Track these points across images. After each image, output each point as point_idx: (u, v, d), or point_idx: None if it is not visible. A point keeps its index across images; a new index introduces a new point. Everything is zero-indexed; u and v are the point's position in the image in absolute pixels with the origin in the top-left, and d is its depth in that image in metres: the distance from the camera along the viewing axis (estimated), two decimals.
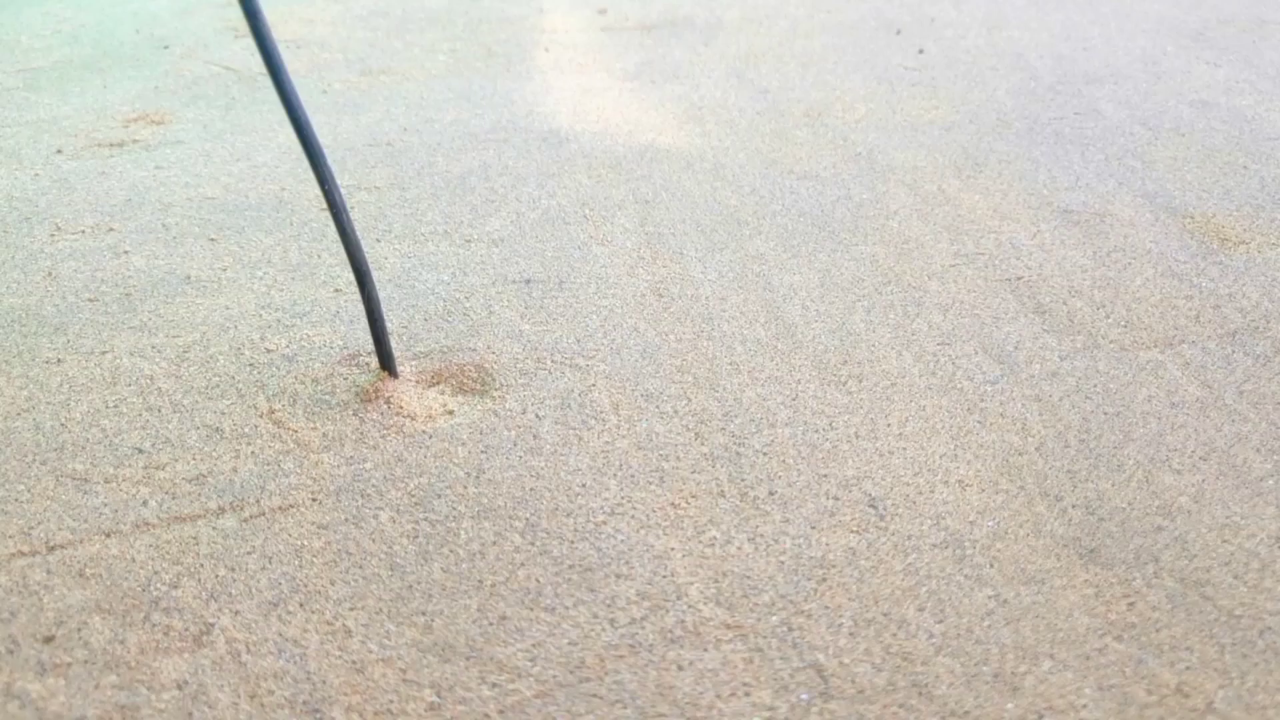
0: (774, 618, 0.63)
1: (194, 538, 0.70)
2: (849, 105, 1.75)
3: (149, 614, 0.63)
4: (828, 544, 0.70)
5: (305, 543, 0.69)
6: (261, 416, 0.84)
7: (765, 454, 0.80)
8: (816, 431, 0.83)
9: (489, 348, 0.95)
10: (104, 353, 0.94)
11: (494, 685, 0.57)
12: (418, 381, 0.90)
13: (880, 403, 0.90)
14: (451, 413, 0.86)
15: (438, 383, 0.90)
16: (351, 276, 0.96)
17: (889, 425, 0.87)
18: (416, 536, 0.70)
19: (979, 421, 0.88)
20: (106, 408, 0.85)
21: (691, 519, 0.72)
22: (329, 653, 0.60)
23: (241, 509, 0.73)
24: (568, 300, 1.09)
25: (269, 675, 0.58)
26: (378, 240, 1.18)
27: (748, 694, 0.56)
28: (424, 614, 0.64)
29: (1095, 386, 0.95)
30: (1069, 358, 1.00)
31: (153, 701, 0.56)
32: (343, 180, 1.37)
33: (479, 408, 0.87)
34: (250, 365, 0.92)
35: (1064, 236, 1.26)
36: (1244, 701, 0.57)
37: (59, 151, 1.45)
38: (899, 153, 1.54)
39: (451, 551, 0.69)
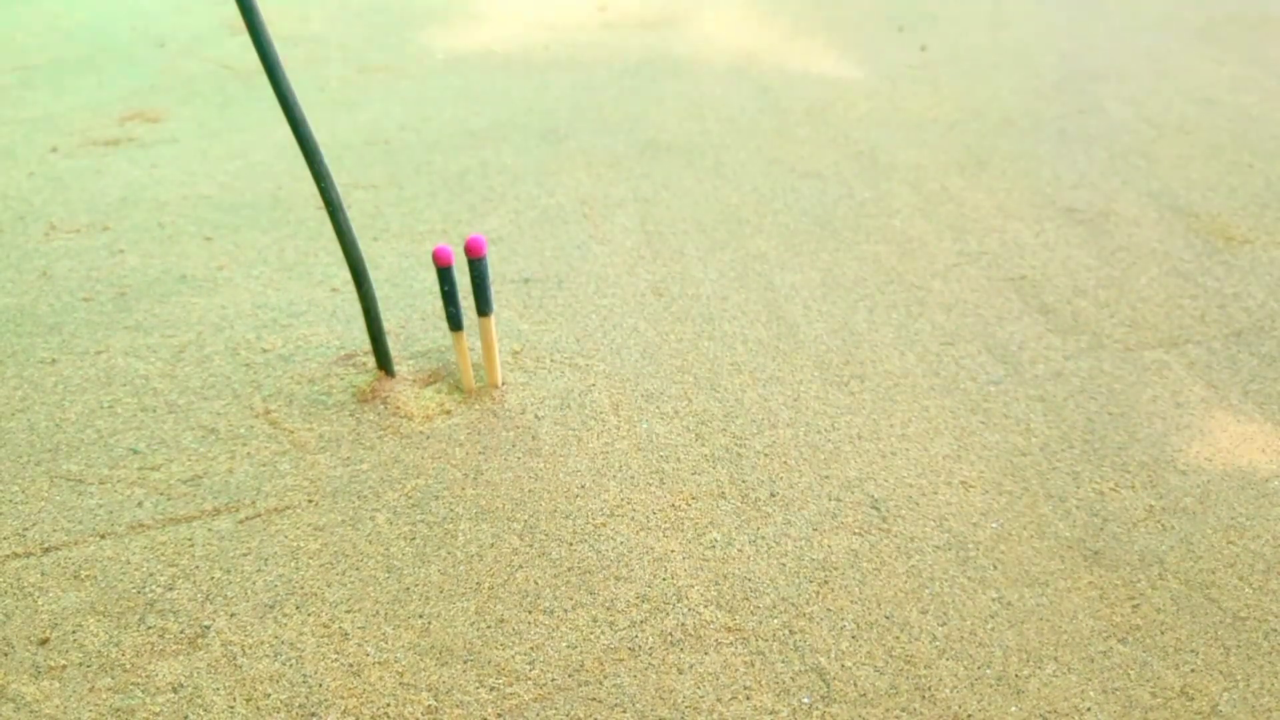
0: (775, 620, 0.63)
1: (189, 539, 0.69)
2: (851, 103, 1.74)
3: (144, 616, 0.62)
4: (830, 546, 0.69)
5: (302, 544, 0.69)
6: (257, 417, 0.83)
7: (767, 455, 0.79)
8: (818, 432, 0.82)
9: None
10: (99, 352, 0.93)
11: (492, 689, 0.56)
12: (415, 381, 0.89)
13: (883, 403, 0.90)
14: (449, 413, 0.85)
15: (435, 382, 0.90)
16: (348, 275, 0.95)
17: (891, 426, 0.86)
18: (414, 538, 0.70)
19: (982, 422, 0.88)
20: (101, 408, 0.84)
21: (692, 521, 0.72)
22: (325, 655, 0.59)
23: (237, 510, 0.72)
24: (567, 299, 1.08)
25: (265, 678, 0.57)
26: (375, 239, 1.17)
27: (749, 697, 0.56)
28: (421, 616, 0.63)
29: (1100, 386, 0.94)
30: (1073, 357, 0.99)
31: (148, 704, 0.55)
32: (339, 178, 1.36)
33: (477, 408, 0.86)
34: (246, 365, 0.91)
35: (1068, 235, 1.25)
36: (1249, 704, 0.56)
37: (54, 150, 1.44)
38: (901, 151, 1.53)
39: (449, 554, 0.68)
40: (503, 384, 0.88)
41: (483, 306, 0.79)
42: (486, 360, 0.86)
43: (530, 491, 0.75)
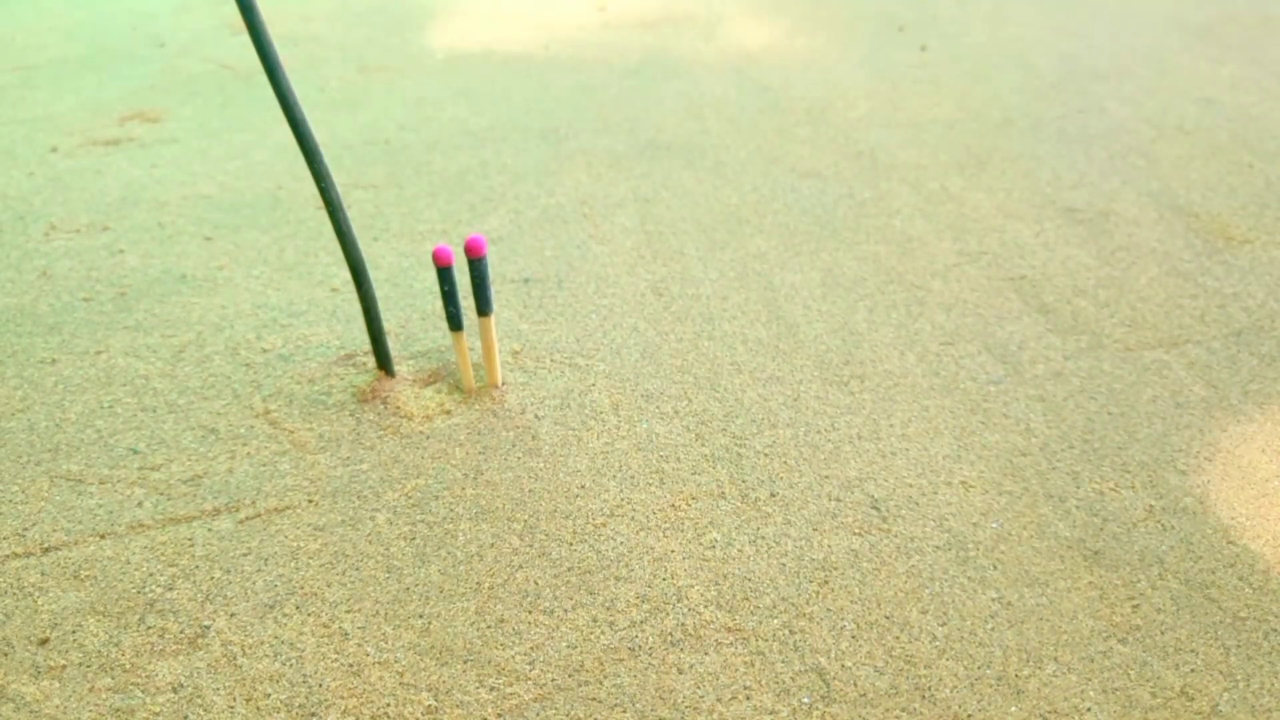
0: (775, 620, 0.63)
1: (189, 539, 0.69)
2: (851, 103, 1.74)
3: (144, 616, 0.62)
4: (830, 546, 0.69)
5: (302, 544, 0.69)
6: (257, 417, 0.83)
7: (766, 455, 0.79)
8: (818, 432, 0.82)
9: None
10: (99, 352, 0.93)
11: (492, 689, 0.56)
12: (415, 381, 0.90)
13: (883, 403, 0.90)
14: (449, 413, 0.85)
15: (435, 382, 0.90)
16: (348, 275, 0.95)
17: (891, 426, 0.86)
18: (414, 538, 0.70)
19: (982, 422, 0.88)
20: (101, 408, 0.84)
21: (692, 521, 0.72)
22: (325, 655, 0.59)
23: (237, 510, 0.72)
24: (567, 299, 1.08)
25: (265, 678, 0.57)
26: (375, 239, 1.18)
27: (749, 697, 0.56)
28: (421, 616, 0.63)
29: (1099, 386, 0.94)
30: (1073, 357, 0.99)
31: (148, 704, 0.55)
32: (339, 178, 1.36)
33: (477, 408, 0.86)
34: (246, 365, 0.91)
35: (1068, 235, 1.25)
36: (1249, 704, 0.56)
37: (54, 149, 1.44)
38: (902, 150, 1.53)
39: (449, 554, 0.68)
40: (503, 384, 0.88)
41: (483, 306, 0.80)
42: (486, 360, 0.86)
43: (530, 491, 0.75)
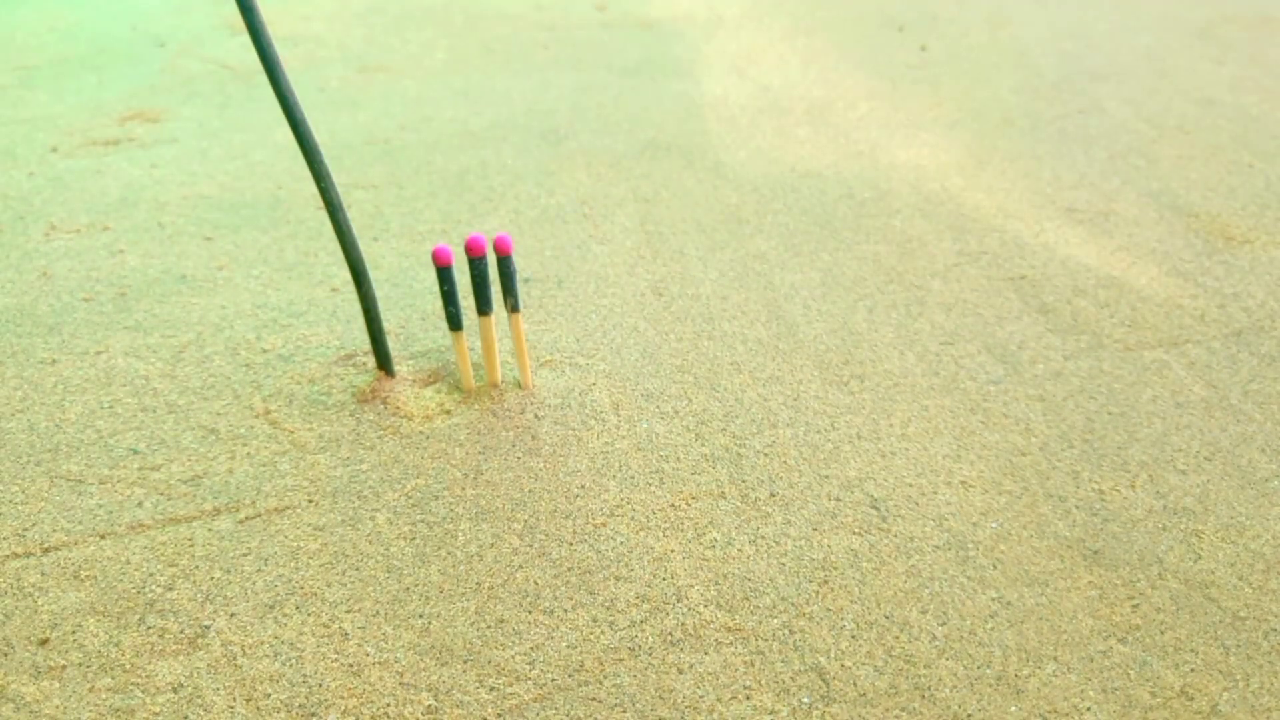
0: (775, 620, 0.63)
1: (189, 539, 0.69)
2: (851, 103, 1.74)
3: (144, 616, 0.62)
4: (829, 546, 0.69)
5: (302, 544, 0.69)
6: (257, 417, 0.83)
7: (766, 455, 0.79)
8: (818, 432, 0.82)
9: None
10: (99, 353, 0.93)
11: (492, 689, 0.56)
12: (415, 381, 0.90)
13: (882, 403, 0.90)
14: (449, 413, 0.85)
15: (435, 382, 0.90)
16: (348, 275, 0.95)
17: (891, 426, 0.86)
18: (414, 538, 0.70)
19: (982, 422, 0.88)
20: (101, 408, 0.84)
21: (692, 520, 0.72)
22: (325, 655, 0.59)
23: (237, 510, 0.72)
24: (567, 299, 1.08)
25: (265, 678, 0.57)
26: (375, 239, 1.18)
27: (749, 697, 0.56)
28: (421, 616, 0.63)
29: (1099, 386, 0.94)
30: (1073, 357, 0.99)
31: (148, 705, 0.55)
32: (339, 178, 1.37)
33: (477, 408, 0.86)
34: (246, 365, 0.91)
35: (1068, 235, 1.26)
36: (1249, 704, 0.56)
37: (54, 150, 1.44)
38: (901, 150, 1.53)
39: (449, 554, 0.68)
40: (502, 383, 0.88)
41: (482, 305, 0.80)
42: (486, 359, 0.86)
43: (530, 491, 0.75)
